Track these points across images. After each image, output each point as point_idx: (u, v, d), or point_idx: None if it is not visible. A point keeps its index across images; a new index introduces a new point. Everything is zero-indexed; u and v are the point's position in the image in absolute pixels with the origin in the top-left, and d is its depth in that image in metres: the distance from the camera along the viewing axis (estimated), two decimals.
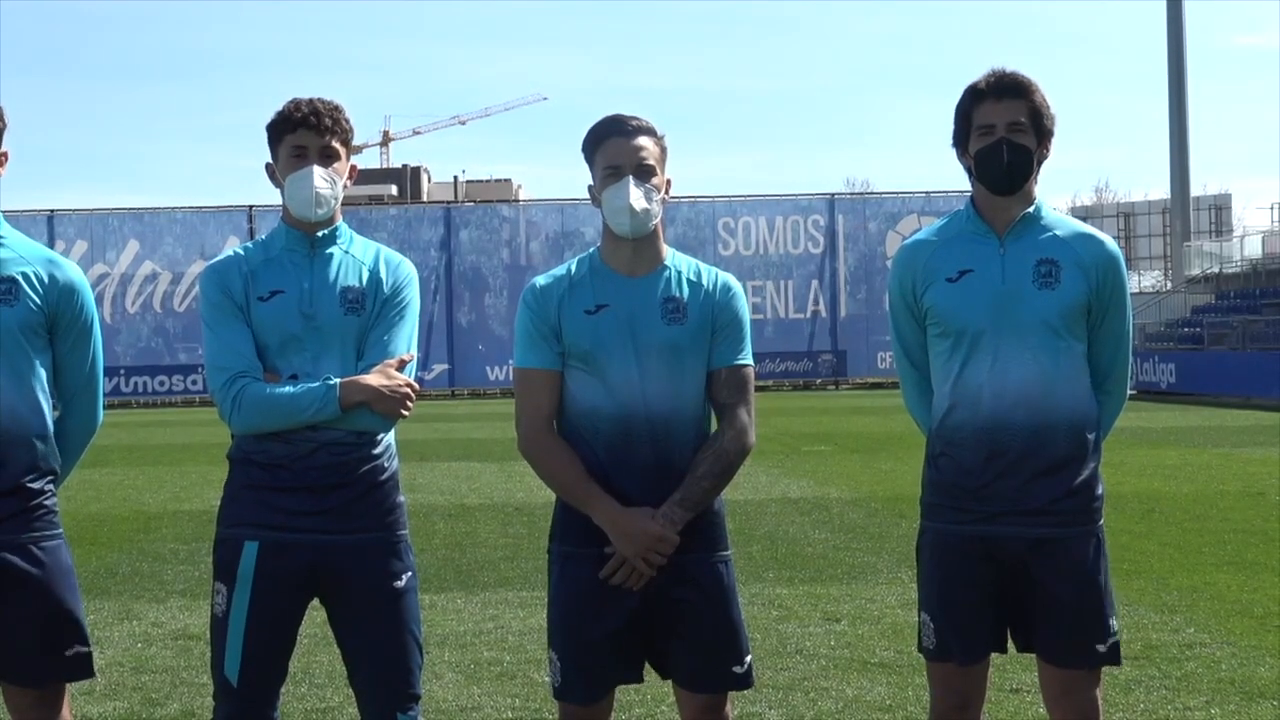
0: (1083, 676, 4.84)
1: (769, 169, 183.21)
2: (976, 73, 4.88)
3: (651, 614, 4.84)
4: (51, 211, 53.30)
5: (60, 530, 4.99)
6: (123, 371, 50.51)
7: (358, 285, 4.94)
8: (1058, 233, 4.88)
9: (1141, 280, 72.33)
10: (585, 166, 4.94)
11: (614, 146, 4.85)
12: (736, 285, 5.03)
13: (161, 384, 51.55)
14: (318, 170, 4.88)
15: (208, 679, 5.11)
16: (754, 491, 16.98)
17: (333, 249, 4.98)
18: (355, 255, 5.01)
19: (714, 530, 4.91)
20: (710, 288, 4.93)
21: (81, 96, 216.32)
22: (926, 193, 55.06)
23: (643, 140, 4.86)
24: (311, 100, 4.95)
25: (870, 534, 13.60)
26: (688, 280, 4.93)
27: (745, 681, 4.94)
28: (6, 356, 4.84)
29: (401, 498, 5.03)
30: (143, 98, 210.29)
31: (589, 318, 4.84)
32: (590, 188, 4.95)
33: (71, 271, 5.03)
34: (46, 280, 4.94)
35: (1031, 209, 4.88)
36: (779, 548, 12.84)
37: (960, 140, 4.92)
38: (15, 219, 4.99)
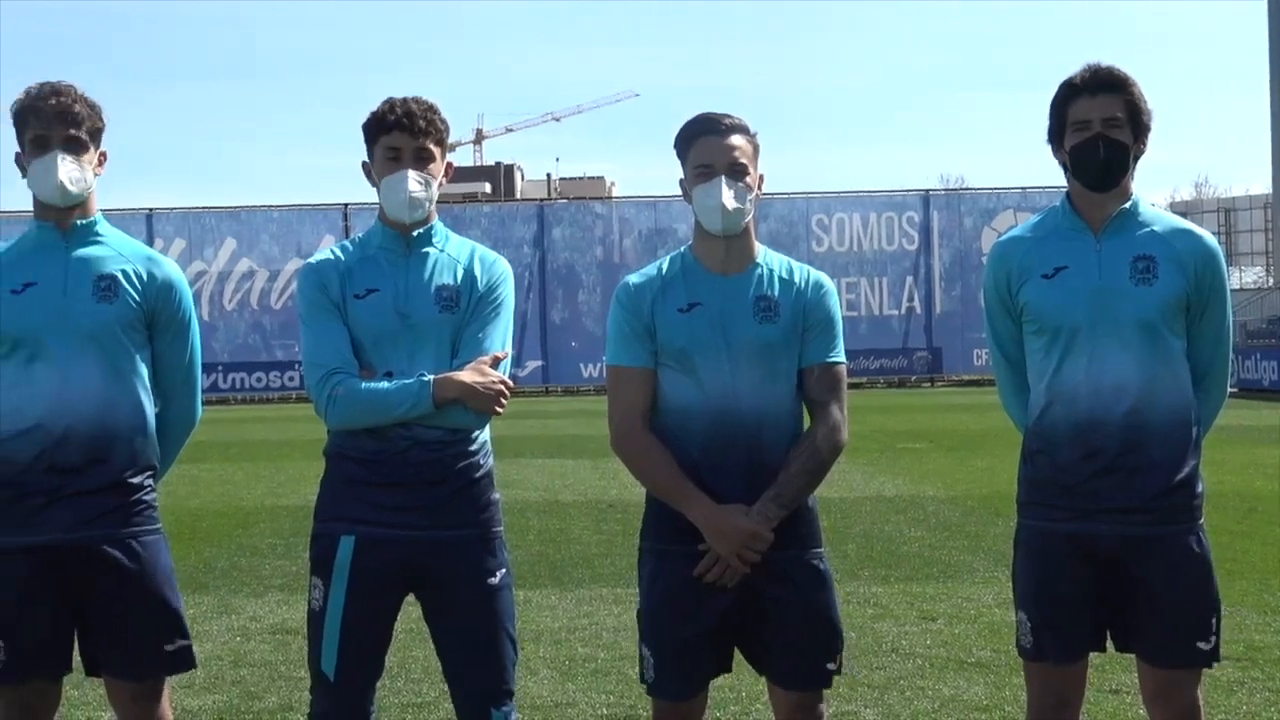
0: (1183, 676, 4.79)
1: (863, 165, 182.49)
2: (1072, 67, 4.83)
3: (745, 611, 4.84)
4: (150, 210, 53.84)
5: (160, 525, 5.05)
6: (220, 368, 50.99)
7: (452, 283, 4.97)
8: (1155, 228, 4.82)
9: (1243, 276, 71.35)
10: (678, 162, 4.95)
11: (706, 145, 4.84)
12: (829, 283, 5.01)
13: (259, 380, 51.98)
14: (412, 174, 4.91)
15: (305, 673, 5.16)
16: (848, 489, 16.90)
17: (428, 248, 5.01)
18: (450, 254, 5.04)
19: (807, 527, 4.90)
20: (802, 285, 4.92)
21: (179, 97, 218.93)
22: (1022, 188, 54.51)
23: (735, 139, 4.85)
24: (406, 101, 4.97)
25: (966, 532, 13.50)
26: (780, 278, 4.92)
27: (839, 675, 4.93)
28: (107, 353, 4.91)
29: (496, 494, 5.05)
30: (239, 97, 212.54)
31: (682, 316, 4.84)
32: (682, 183, 4.94)
33: (169, 268, 5.10)
34: (145, 277, 5.01)
35: (1128, 205, 4.83)
36: (874, 546, 12.77)
37: (1056, 136, 4.87)
38: (115, 218, 5.08)
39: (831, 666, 4.90)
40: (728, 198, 4.78)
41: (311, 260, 5.05)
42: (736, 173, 4.82)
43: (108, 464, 4.90)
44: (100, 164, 5.02)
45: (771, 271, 4.93)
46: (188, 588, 9.80)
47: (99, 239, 5.02)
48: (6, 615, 4.89)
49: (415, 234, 4.99)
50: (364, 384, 4.83)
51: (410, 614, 5.23)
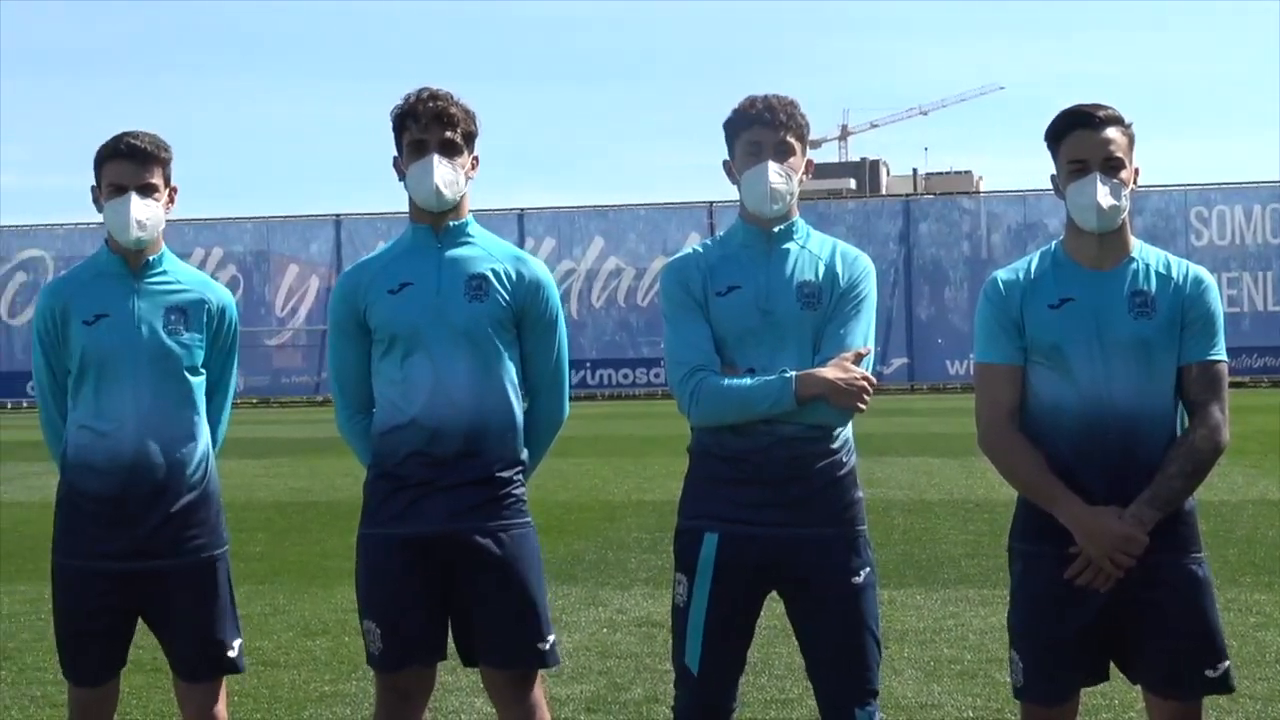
0: None
1: (1245, 154, 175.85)
2: None
3: (1119, 616, 4.70)
4: (522, 210, 55.31)
5: (529, 519, 5.17)
6: (588, 365, 51.96)
7: (814, 280, 4.94)
8: None
9: None
10: (1047, 155, 4.83)
11: (1079, 139, 4.72)
12: (1209, 278, 4.83)
13: (625, 377, 52.83)
14: (773, 165, 4.91)
15: (669, 666, 5.21)
16: (1229, 492, 16.27)
17: (789, 244, 5.00)
18: (812, 250, 5.02)
19: (1185, 531, 4.73)
20: (1180, 281, 4.75)
21: (551, 99, 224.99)
22: None
23: (1110, 132, 4.71)
24: (766, 97, 4.98)
25: None
26: (1156, 273, 4.76)
27: (1223, 686, 4.73)
28: (479, 351, 5.06)
29: (860, 493, 5.00)
30: (607, 99, 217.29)
31: (1052, 312, 4.73)
32: (1054, 178, 4.82)
33: (537, 268, 5.22)
34: (514, 276, 5.14)
35: None
36: (1257, 551, 12.26)
37: None
38: (488, 218, 5.24)
39: (1212, 674, 4.71)
40: (1103, 195, 4.65)
41: (675, 258, 5.10)
42: (1112, 168, 4.69)
43: (479, 458, 5.04)
44: (473, 168, 5.17)
45: (1148, 266, 4.77)
46: (556, 579, 10.03)
47: (470, 240, 5.17)
48: (385, 604, 5.08)
49: (776, 230, 4.99)
50: (726, 380, 4.85)
51: (774, 610, 5.23)
